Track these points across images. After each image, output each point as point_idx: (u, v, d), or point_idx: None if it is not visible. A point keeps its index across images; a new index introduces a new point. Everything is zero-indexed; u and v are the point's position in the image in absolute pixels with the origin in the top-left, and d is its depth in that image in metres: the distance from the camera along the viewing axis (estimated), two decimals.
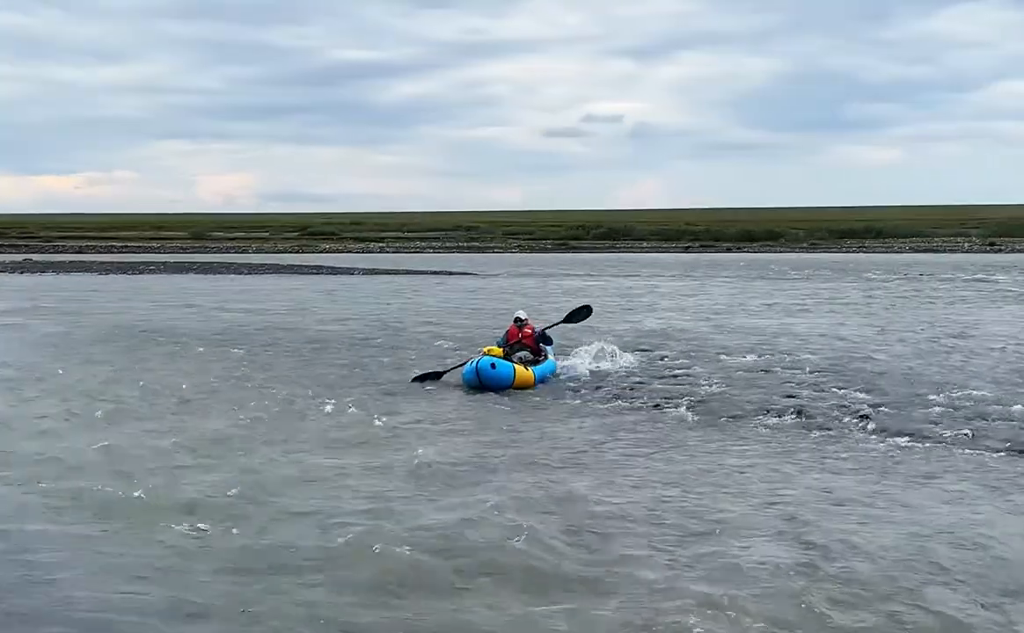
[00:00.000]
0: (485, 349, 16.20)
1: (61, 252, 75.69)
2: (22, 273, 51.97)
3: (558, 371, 16.95)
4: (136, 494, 9.40)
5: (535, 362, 16.47)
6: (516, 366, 15.83)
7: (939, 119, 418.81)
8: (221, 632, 6.62)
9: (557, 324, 18.61)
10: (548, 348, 17.11)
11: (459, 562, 7.65)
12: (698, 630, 6.54)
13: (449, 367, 16.91)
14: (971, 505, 9.24)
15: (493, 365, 15.53)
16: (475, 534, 8.18)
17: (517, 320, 17.18)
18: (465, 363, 16.36)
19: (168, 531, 8.42)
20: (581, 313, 19.33)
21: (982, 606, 6.90)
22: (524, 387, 15.66)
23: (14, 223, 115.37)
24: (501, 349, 16.25)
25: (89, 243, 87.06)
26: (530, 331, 16.95)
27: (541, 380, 16.21)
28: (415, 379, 16.25)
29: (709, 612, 6.74)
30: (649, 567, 7.60)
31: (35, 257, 66.47)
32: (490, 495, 9.40)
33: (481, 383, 15.47)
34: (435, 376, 16.43)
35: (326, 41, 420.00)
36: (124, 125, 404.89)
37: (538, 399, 14.98)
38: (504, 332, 17.36)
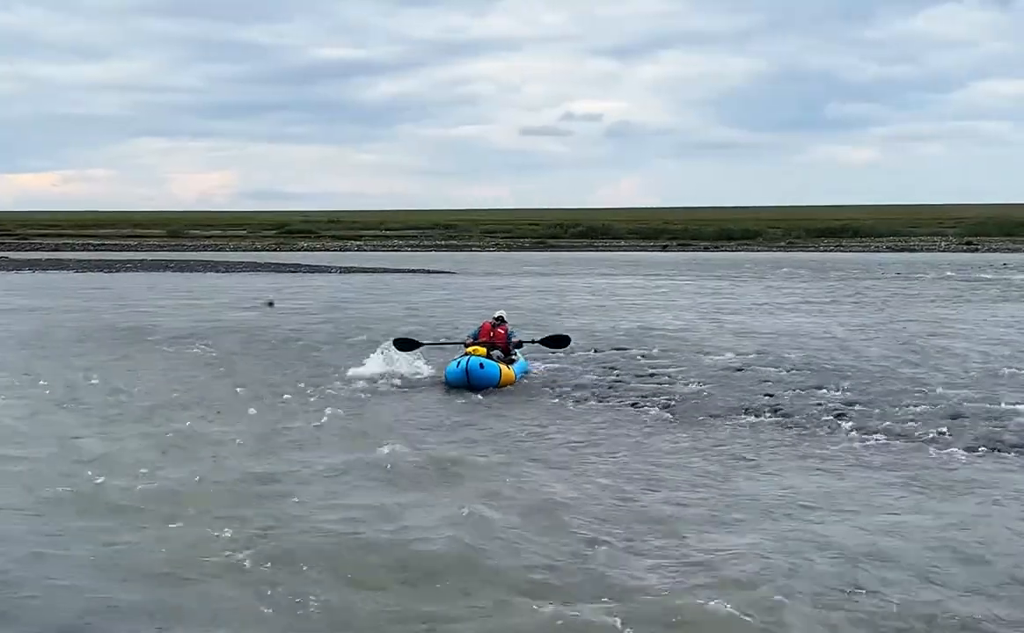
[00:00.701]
0: (469, 348, 16.22)
1: (38, 250, 75.13)
2: None
3: (530, 370, 17.01)
4: (113, 493, 9.40)
5: (508, 361, 16.50)
6: (501, 365, 15.86)
7: (920, 119, 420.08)
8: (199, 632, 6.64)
9: (533, 342, 18.06)
10: (517, 350, 17.13)
11: (438, 562, 7.68)
12: (677, 627, 6.61)
13: (429, 342, 18.07)
14: (948, 503, 9.34)
15: (482, 365, 15.54)
16: (454, 533, 8.22)
17: (499, 318, 17.15)
18: (445, 345, 16.67)
19: (151, 530, 8.43)
20: (558, 341, 18.48)
21: (954, 600, 6.99)
22: (505, 386, 15.71)
23: None
24: (484, 349, 16.24)
25: (66, 241, 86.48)
26: (503, 332, 16.90)
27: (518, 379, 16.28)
28: (395, 342, 17.26)
29: (686, 609, 6.82)
30: (628, 566, 7.66)
31: (12, 255, 66.00)
32: (470, 495, 9.45)
33: (469, 383, 15.43)
34: (414, 344, 17.47)
35: (308, 39, 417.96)
36: (103, 123, 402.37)
37: (517, 398, 15.01)
38: (477, 327, 17.36)
